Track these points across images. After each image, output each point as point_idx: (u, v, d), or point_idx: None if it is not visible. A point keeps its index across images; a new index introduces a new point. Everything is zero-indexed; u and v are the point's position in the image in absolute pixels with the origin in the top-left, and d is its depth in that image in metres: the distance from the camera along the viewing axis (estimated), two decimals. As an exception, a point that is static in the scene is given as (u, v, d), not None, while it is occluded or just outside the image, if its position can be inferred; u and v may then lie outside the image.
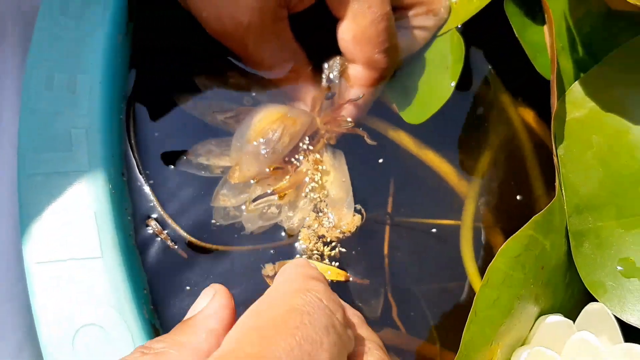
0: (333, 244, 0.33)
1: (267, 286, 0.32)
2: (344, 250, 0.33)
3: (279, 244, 0.33)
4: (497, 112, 0.37)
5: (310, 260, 0.33)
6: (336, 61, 0.35)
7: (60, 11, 0.32)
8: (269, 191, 0.33)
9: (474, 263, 0.34)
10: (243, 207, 0.33)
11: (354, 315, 0.26)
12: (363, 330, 0.25)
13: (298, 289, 0.22)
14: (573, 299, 0.30)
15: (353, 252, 0.33)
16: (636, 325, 0.28)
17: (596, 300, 0.29)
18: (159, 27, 0.36)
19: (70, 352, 0.28)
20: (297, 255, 0.33)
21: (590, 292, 0.29)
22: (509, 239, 0.27)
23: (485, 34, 0.37)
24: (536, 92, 0.35)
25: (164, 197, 0.34)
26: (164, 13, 0.35)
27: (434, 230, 0.34)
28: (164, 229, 0.33)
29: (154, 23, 0.36)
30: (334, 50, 0.34)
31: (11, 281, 0.32)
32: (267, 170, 0.33)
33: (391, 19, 0.32)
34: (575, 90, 0.32)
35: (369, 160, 0.35)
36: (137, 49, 0.35)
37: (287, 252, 0.33)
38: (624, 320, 0.28)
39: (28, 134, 0.31)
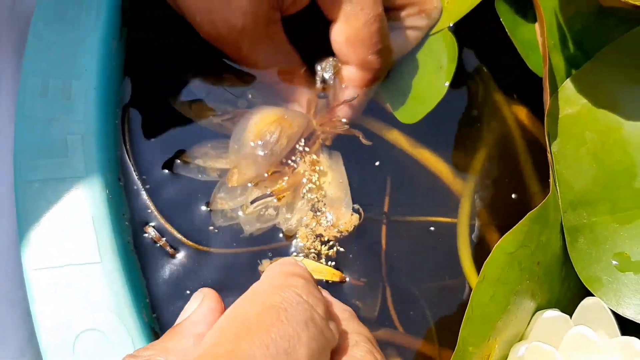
0: (331, 243, 0.33)
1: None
2: (341, 249, 0.33)
3: (276, 245, 0.34)
4: (491, 110, 0.37)
5: (306, 260, 0.33)
6: (329, 63, 0.35)
7: (54, 17, 0.33)
8: (267, 192, 0.33)
9: (470, 260, 0.34)
10: (240, 211, 0.33)
11: (343, 311, 0.26)
12: (352, 324, 0.25)
13: (276, 286, 0.22)
14: (569, 293, 0.30)
15: (350, 251, 0.34)
16: (632, 319, 0.29)
17: (592, 295, 0.29)
18: (152, 32, 0.36)
19: (71, 357, 0.28)
20: (294, 254, 0.33)
21: (586, 286, 0.29)
22: (504, 235, 0.27)
23: (477, 33, 0.37)
24: (529, 89, 0.35)
25: (161, 201, 0.34)
26: (158, 17, 0.35)
27: (432, 228, 0.35)
28: (161, 234, 0.33)
29: (148, 27, 0.36)
30: (327, 51, 0.34)
31: (12, 288, 0.32)
32: (266, 174, 0.33)
33: (384, 20, 0.33)
34: (568, 87, 0.33)
35: (365, 160, 0.35)
36: (132, 54, 0.36)
37: (285, 252, 0.34)
38: (620, 313, 0.29)
39: (24, 141, 0.31)
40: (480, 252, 0.34)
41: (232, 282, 0.33)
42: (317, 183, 0.34)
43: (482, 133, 0.37)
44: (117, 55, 0.34)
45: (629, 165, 0.31)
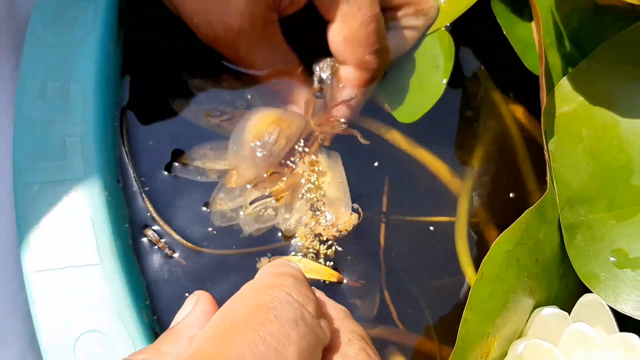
0: (329, 242, 0.33)
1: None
2: (340, 249, 0.34)
3: (275, 246, 0.34)
4: (488, 109, 0.37)
5: (304, 259, 0.33)
6: (327, 63, 0.35)
7: (51, 19, 0.33)
8: (266, 193, 0.33)
9: (469, 258, 0.34)
10: (241, 211, 0.33)
11: (338, 310, 0.26)
12: (346, 322, 0.25)
13: (266, 286, 0.23)
14: (567, 290, 0.30)
15: (349, 251, 0.34)
16: (630, 315, 0.29)
17: (590, 292, 0.29)
18: (150, 33, 0.36)
19: (72, 359, 0.29)
20: (293, 253, 0.33)
21: (585, 283, 0.29)
22: (502, 233, 0.27)
23: (474, 32, 0.37)
24: (526, 88, 0.35)
25: (160, 202, 0.34)
26: (155, 19, 0.35)
27: (430, 227, 0.35)
28: (160, 236, 0.33)
29: (146, 29, 0.36)
30: (324, 52, 0.35)
31: (12, 290, 0.32)
32: (265, 175, 0.33)
33: (381, 20, 0.33)
34: (564, 85, 0.33)
35: (363, 159, 0.35)
36: (130, 55, 0.36)
37: (284, 252, 0.34)
38: (618, 310, 0.29)
39: (23, 144, 0.31)
40: (479, 250, 0.34)
41: (231, 283, 0.33)
42: (316, 183, 0.34)
43: (479, 132, 0.37)
44: (115, 57, 0.34)
45: (625, 162, 0.31)
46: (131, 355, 0.22)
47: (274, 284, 0.23)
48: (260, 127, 0.33)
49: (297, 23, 0.34)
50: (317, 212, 0.33)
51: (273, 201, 0.33)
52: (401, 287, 0.34)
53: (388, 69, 0.36)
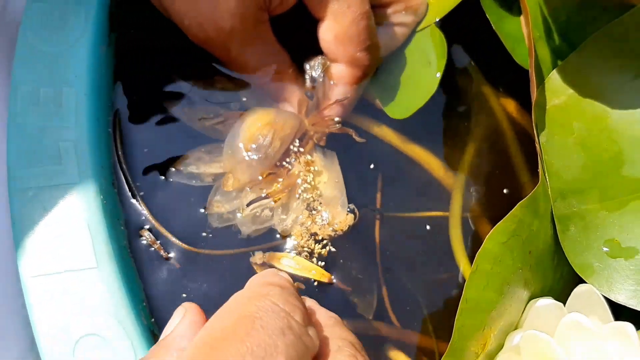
0: (324, 241, 0.34)
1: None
2: (333, 249, 0.34)
3: (271, 245, 0.34)
4: (479, 104, 0.37)
5: (297, 257, 0.33)
6: (318, 61, 0.35)
7: (41, 25, 0.33)
8: (263, 195, 0.33)
9: (464, 252, 0.34)
10: (238, 213, 0.34)
11: (328, 317, 0.26)
12: (337, 330, 0.25)
13: (252, 296, 0.23)
14: (562, 281, 0.30)
15: (344, 250, 0.34)
16: (625, 304, 0.29)
17: (585, 282, 0.29)
18: (142, 36, 0.36)
19: (71, 362, 0.29)
20: (287, 251, 0.34)
21: (579, 274, 0.30)
22: (495, 226, 0.27)
23: (463, 28, 0.38)
24: (516, 82, 0.35)
25: (156, 205, 0.34)
26: (146, 21, 0.35)
27: (425, 223, 0.35)
28: (157, 238, 0.34)
29: (137, 32, 0.36)
30: (315, 50, 0.35)
31: (11, 296, 0.32)
32: (260, 177, 0.33)
33: (371, 17, 0.33)
34: (554, 79, 0.33)
35: (356, 157, 0.35)
36: (122, 59, 0.36)
37: (279, 250, 0.34)
38: (613, 299, 0.29)
39: (17, 150, 0.31)
40: (474, 244, 0.34)
41: (228, 283, 0.33)
42: (312, 183, 0.34)
43: (471, 127, 0.37)
44: (107, 61, 0.34)
45: (616, 153, 0.32)
46: None
47: (260, 293, 0.23)
48: (255, 129, 0.33)
49: (288, 22, 0.34)
50: (314, 212, 0.34)
51: (272, 202, 0.33)
52: (397, 284, 0.34)
53: (379, 66, 0.36)
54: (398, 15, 0.36)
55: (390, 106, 0.36)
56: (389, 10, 0.36)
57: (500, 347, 0.29)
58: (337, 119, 0.35)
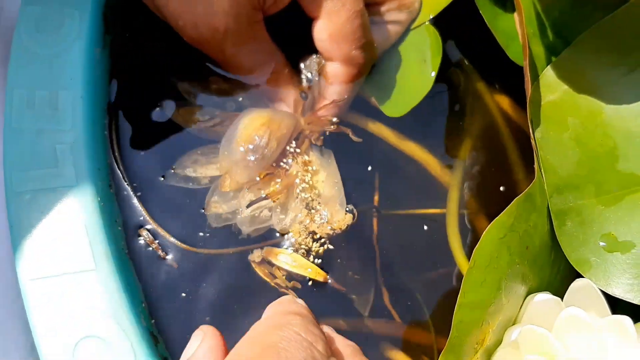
0: (322, 240, 0.34)
1: (258, 279, 0.33)
2: (331, 247, 0.34)
3: (268, 243, 0.34)
4: (474, 101, 0.37)
5: (293, 254, 0.33)
6: (313, 60, 0.35)
7: (36, 28, 0.33)
8: (262, 195, 0.33)
9: (461, 249, 0.34)
10: (238, 214, 0.34)
11: (346, 346, 0.26)
12: (355, 359, 0.25)
13: (274, 326, 0.23)
14: (559, 276, 0.31)
15: (342, 249, 0.34)
16: (622, 297, 0.29)
17: (582, 276, 0.29)
18: (137, 38, 0.36)
19: (71, 365, 0.29)
20: (285, 247, 0.34)
21: (576, 268, 0.30)
22: (492, 222, 0.27)
23: (458, 25, 0.38)
24: (511, 78, 0.35)
25: (153, 206, 0.34)
26: (141, 23, 0.35)
27: (422, 220, 0.35)
28: (155, 238, 0.34)
29: (132, 34, 0.36)
30: (310, 49, 0.35)
31: (11, 299, 0.32)
32: (257, 178, 0.33)
33: (365, 15, 0.33)
34: (548, 75, 0.33)
35: (353, 156, 0.36)
36: (117, 61, 0.36)
37: (277, 247, 0.34)
38: (610, 293, 0.29)
39: (13, 153, 0.31)
40: (471, 240, 0.35)
41: (227, 283, 0.33)
42: (310, 183, 0.34)
43: (466, 124, 0.37)
44: (102, 63, 0.34)
45: (611, 148, 0.32)
46: None
47: (281, 323, 0.23)
48: (251, 130, 0.33)
49: (282, 22, 0.34)
50: (313, 211, 0.34)
51: (271, 203, 0.33)
52: (395, 281, 0.34)
53: (374, 64, 0.36)
54: (392, 13, 0.36)
55: (386, 104, 0.36)
56: (383, 8, 0.36)
57: (498, 342, 0.29)
58: (333, 118, 0.35)
